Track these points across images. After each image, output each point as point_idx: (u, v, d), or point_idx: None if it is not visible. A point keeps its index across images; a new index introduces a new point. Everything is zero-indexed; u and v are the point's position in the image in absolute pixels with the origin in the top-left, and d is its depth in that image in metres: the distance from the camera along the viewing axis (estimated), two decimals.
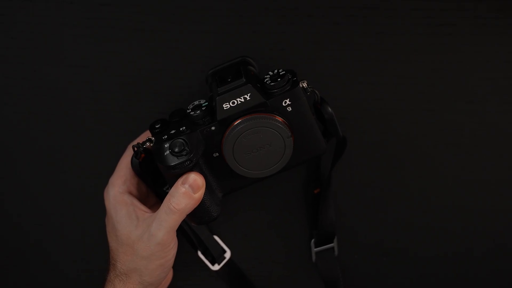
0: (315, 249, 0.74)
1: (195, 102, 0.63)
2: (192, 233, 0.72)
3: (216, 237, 0.75)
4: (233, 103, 0.60)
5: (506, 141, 0.72)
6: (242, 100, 0.60)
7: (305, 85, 0.62)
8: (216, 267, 0.74)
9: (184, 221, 0.70)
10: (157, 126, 0.63)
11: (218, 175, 0.65)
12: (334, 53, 0.70)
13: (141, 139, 0.68)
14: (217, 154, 0.63)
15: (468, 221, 0.74)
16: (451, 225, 0.74)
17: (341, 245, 0.75)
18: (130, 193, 0.66)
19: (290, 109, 0.62)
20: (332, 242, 0.74)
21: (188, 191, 0.61)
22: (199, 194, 0.62)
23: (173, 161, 0.60)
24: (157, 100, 0.72)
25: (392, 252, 0.75)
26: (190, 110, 0.62)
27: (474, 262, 0.75)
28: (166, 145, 0.61)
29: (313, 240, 0.74)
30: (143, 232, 0.63)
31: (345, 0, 0.69)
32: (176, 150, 0.60)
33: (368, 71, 0.71)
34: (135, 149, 0.63)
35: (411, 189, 0.74)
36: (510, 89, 0.71)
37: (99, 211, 0.72)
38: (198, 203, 0.62)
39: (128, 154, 0.67)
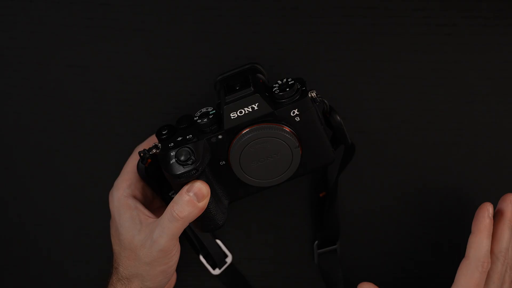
0: (318, 251, 0.74)
1: (202, 110, 0.62)
2: (194, 237, 0.72)
3: (218, 241, 0.74)
4: (241, 112, 0.60)
5: (506, 141, 0.72)
6: (250, 109, 0.60)
7: (314, 95, 0.61)
8: (217, 271, 0.74)
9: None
10: (164, 132, 0.62)
11: (225, 183, 0.64)
12: (334, 53, 0.70)
13: (147, 143, 0.68)
14: (224, 162, 0.62)
15: (469, 221, 0.74)
16: (452, 225, 0.74)
17: (344, 246, 0.75)
18: (135, 197, 0.66)
19: (299, 119, 0.61)
20: (335, 244, 0.74)
21: (192, 199, 0.60)
22: (204, 203, 0.61)
23: (179, 170, 0.60)
24: (157, 100, 0.72)
25: (395, 254, 0.75)
26: (197, 117, 0.61)
27: None
28: (172, 153, 0.60)
29: (316, 242, 0.74)
30: (145, 238, 0.62)
31: (345, 0, 0.69)
32: (182, 158, 0.59)
33: (368, 71, 0.71)
34: (141, 155, 0.62)
35: (411, 190, 0.73)
36: (510, 89, 0.71)
37: (100, 212, 0.72)
38: (202, 212, 0.61)
39: (134, 157, 0.67)
